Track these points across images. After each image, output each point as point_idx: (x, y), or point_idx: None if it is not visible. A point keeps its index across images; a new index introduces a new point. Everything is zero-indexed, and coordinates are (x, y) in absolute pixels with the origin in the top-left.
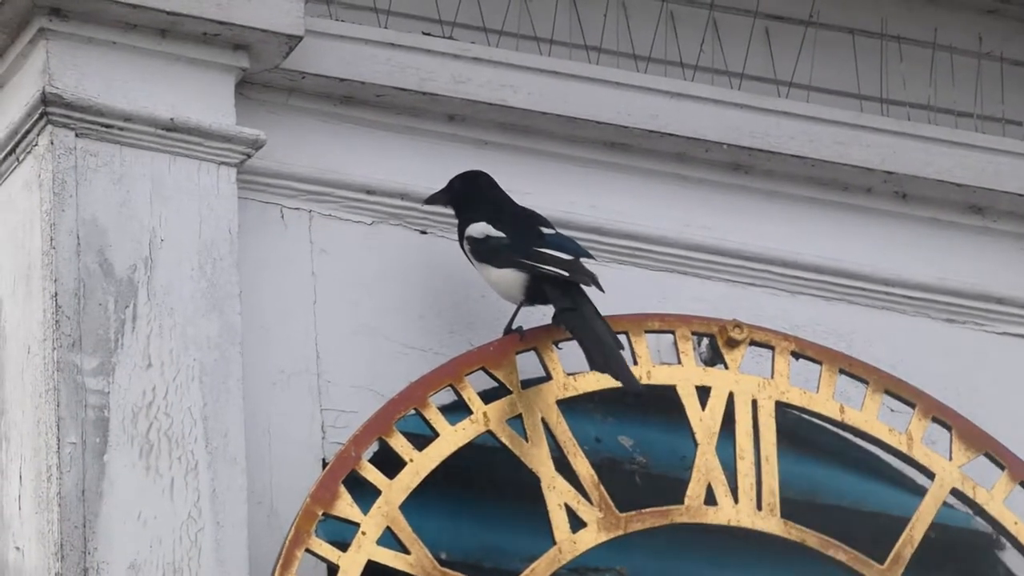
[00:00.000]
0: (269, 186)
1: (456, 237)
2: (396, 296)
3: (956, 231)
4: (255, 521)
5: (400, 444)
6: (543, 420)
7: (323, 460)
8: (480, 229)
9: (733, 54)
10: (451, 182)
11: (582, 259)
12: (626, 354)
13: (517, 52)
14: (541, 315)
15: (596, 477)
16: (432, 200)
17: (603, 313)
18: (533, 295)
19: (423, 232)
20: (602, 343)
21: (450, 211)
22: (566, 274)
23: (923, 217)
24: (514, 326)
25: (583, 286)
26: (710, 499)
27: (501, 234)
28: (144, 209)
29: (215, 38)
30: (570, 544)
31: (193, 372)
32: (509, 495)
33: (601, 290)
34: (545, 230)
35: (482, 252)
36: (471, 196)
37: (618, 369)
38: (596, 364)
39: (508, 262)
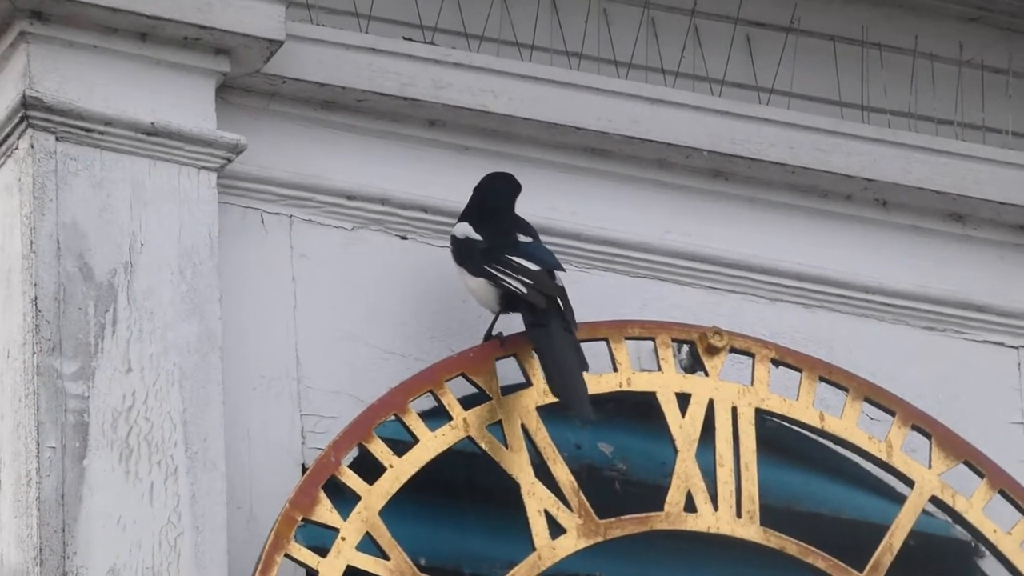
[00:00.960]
0: (249, 191)
1: (438, 243)
2: (376, 301)
3: (936, 239)
4: (234, 526)
5: (380, 450)
6: (523, 426)
7: (303, 465)
8: (462, 230)
9: (714, 60)
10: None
11: (556, 271)
12: (605, 361)
13: (498, 57)
14: (521, 322)
15: (576, 483)
16: None
17: (583, 320)
18: (508, 305)
19: (403, 237)
20: (560, 365)
21: (431, 216)
22: (524, 291)
23: (903, 224)
24: (494, 332)
25: (560, 297)
26: (690, 506)
27: (479, 237)
28: (124, 213)
29: (196, 42)
30: (549, 550)
31: (173, 377)
32: (489, 501)
33: (560, 310)
34: (522, 238)
35: (460, 253)
36: (475, 196)
37: (572, 396)
38: (552, 387)
39: (477, 269)
